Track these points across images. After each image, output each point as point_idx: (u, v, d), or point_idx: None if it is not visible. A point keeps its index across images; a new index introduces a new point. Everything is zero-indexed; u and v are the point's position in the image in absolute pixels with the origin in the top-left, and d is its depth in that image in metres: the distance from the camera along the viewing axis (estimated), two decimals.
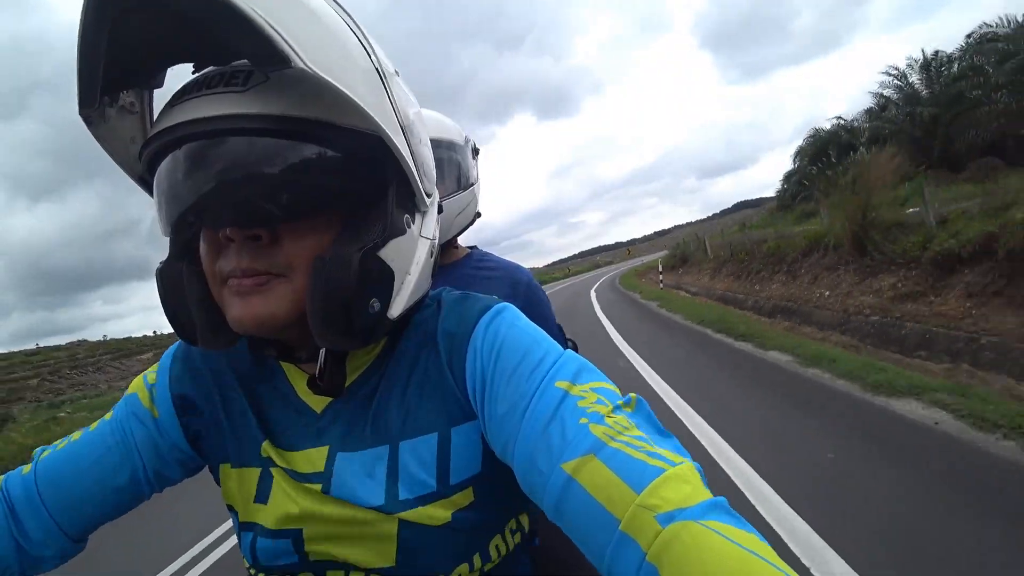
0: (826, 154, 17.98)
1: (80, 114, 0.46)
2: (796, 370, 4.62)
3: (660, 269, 20.21)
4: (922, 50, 15.21)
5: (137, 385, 0.59)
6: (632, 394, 0.45)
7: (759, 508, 2.41)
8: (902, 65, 16.22)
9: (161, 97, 0.49)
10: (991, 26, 13.47)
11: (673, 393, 4.41)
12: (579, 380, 0.46)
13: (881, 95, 16.77)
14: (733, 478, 2.74)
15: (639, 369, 5.56)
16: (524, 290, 1.09)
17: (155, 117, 0.49)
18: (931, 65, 15.09)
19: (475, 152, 1.22)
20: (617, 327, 8.99)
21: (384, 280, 0.47)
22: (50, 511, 0.54)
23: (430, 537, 0.49)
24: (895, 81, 16.06)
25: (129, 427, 0.57)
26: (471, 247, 1.20)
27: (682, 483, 0.37)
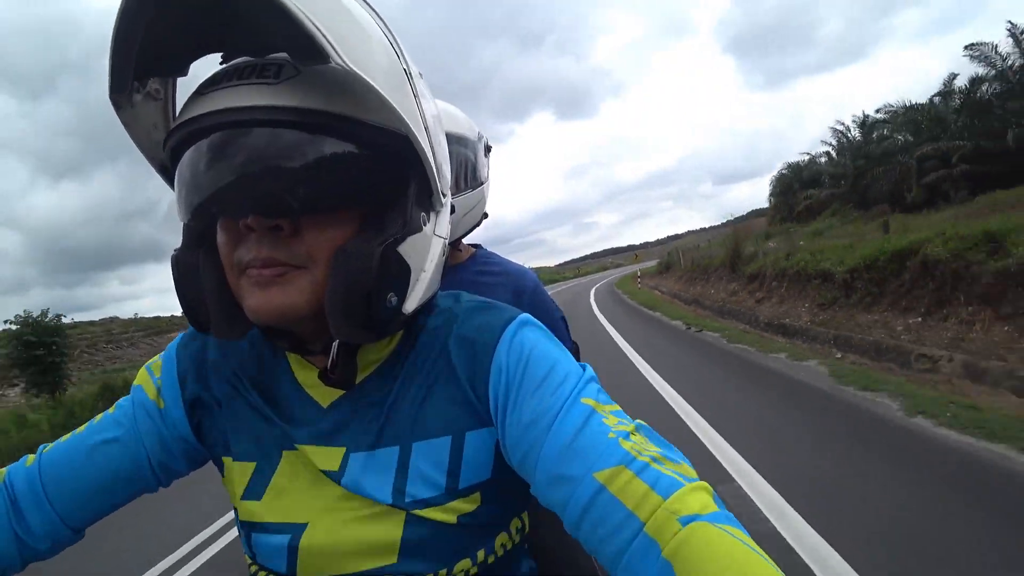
0: (791, 187, 22.56)
1: (110, 97, 0.47)
2: (683, 329, 9.16)
3: (639, 275, 26.57)
4: (863, 111, 19.70)
5: (143, 377, 0.59)
6: (639, 420, 0.48)
7: (651, 382, 5.23)
8: (848, 120, 20.67)
9: (184, 86, 0.50)
10: (892, 106, 17.93)
11: (614, 331, 9.18)
12: (601, 400, 0.48)
13: (830, 143, 21.31)
14: (644, 373, 5.64)
15: (600, 320, 10.65)
16: (529, 297, 1.08)
17: (178, 106, 0.50)
18: (865, 123, 19.53)
19: (487, 149, 1.18)
20: (599, 306, 14.59)
21: (402, 275, 0.47)
22: (53, 504, 0.54)
23: (434, 535, 0.49)
24: (840, 133, 20.55)
25: (135, 419, 0.57)
26: (475, 246, 1.17)
27: (702, 493, 0.41)
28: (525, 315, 0.55)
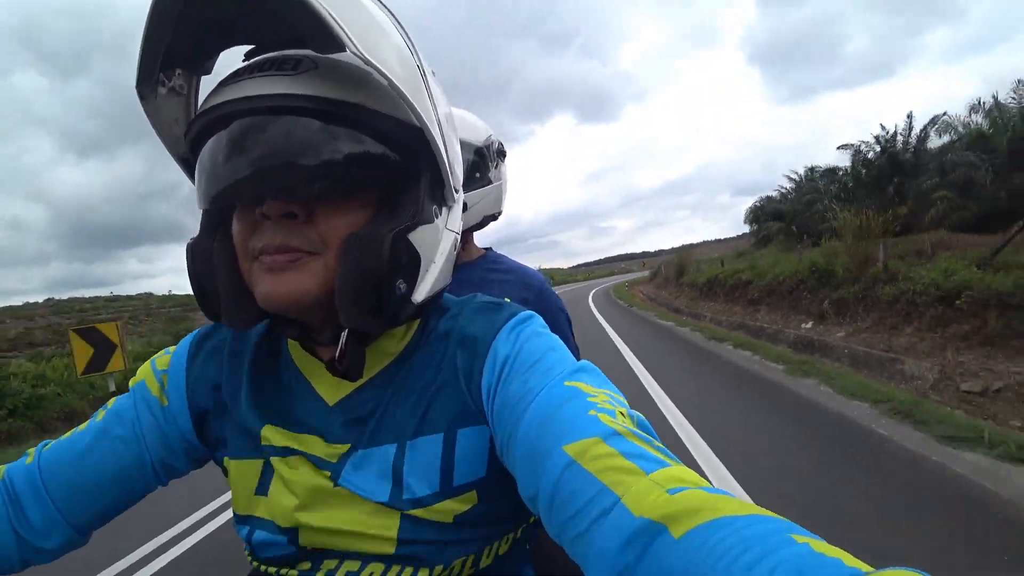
0: (759, 217, 28.15)
1: (136, 88, 0.48)
2: (626, 307, 15.80)
3: (627, 283, 33.89)
4: (804, 167, 25.61)
5: (145, 372, 0.59)
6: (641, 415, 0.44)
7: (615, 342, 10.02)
8: (802, 170, 26.30)
9: (206, 86, 0.51)
10: (819, 166, 23.71)
11: (595, 309, 15.84)
12: (593, 383, 0.46)
13: (784, 186, 27.21)
14: (600, 322, 12.96)
15: (590, 304, 17.44)
16: (536, 295, 1.09)
17: (199, 102, 0.51)
18: (802, 177, 25.52)
19: (501, 154, 1.20)
20: (592, 298, 21.75)
21: (412, 263, 0.48)
22: (55, 501, 0.53)
23: (430, 534, 0.49)
24: (794, 179, 26.46)
25: (137, 416, 0.56)
26: (486, 248, 1.21)
27: (693, 475, 0.36)
28: (528, 312, 0.55)
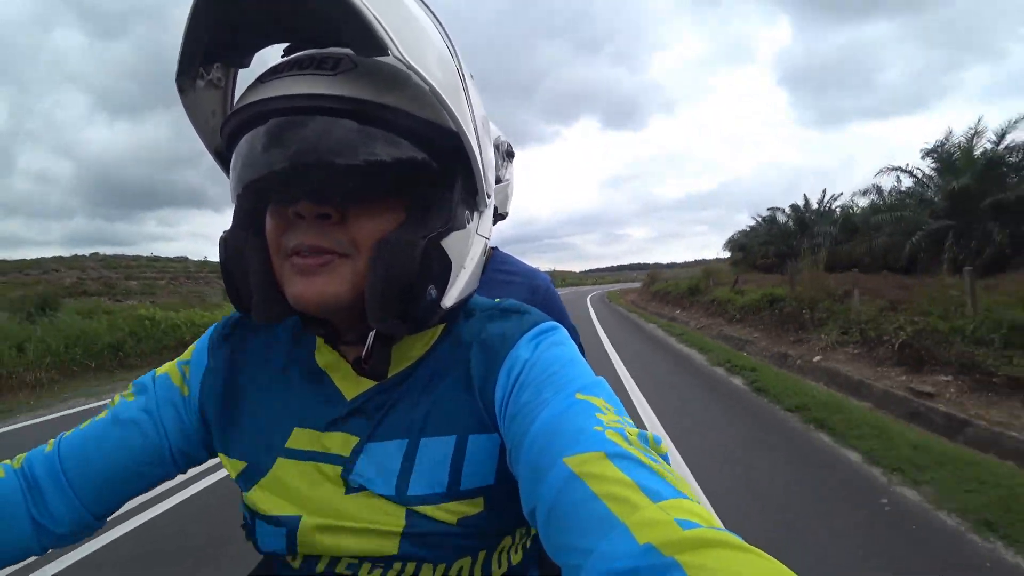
0: (747, 245, 27.92)
1: (176, 81, 0.48)
2: (608, 302, 22.23)
3: (621, 292, 39.13)
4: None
5: (169, 367, 0.61)
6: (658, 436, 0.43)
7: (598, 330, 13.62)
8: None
9: (243, 79, 0.51)
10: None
11: (589, 306, 22.01)
12: (605, 400, 0.44)
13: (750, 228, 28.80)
14: (591, 314, 18.58)
15: (587, 302, 24.00)
16: (543, 296, 1.13)
17: (236, 96, 0.51)
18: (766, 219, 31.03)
19: (509, 154, 1.23)
20: (590, 299, 28.25)
21: (443, 269, 0.48)
22: (74, 488, 0.54)
23: (434, 534, 0.49)
24: (757, 220, 28.28)
25: (158, 406, 0.58)
26: (492, 248, 1.21)
27: (707, 513, 0.33)
28: (552, 323, 0.54)
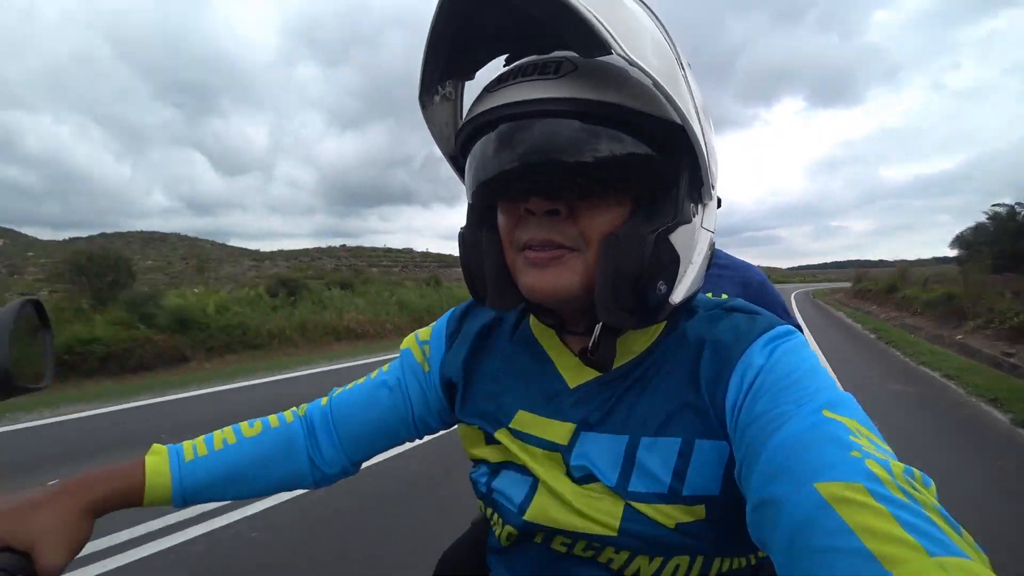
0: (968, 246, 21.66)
1: (419, 99, 0.53)
2: (828, 308, 24.23)
3: (830, 291, 38.10)
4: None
5: (410, 342, 0.69)
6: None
7: None
8: None
9: (469, 90, 0.54)
10: None
11: (793, 302, 24.31)
12: (859, 421, 0.40)
13: None
14: (801, 316, 21.44)
15: (791, 299, 25.49)
16: (756, 291, 1.07)
17: (464, 106, 0.55)
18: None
19: None
20: (794, 297, 28.42)
21: (672, 264, 0.48)
22: (340, 437, 0.66)
23: (650, 532, 0.49)
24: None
25: (405, 378, 0.67)
26: None
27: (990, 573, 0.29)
28: (788, 327, 0.52)
